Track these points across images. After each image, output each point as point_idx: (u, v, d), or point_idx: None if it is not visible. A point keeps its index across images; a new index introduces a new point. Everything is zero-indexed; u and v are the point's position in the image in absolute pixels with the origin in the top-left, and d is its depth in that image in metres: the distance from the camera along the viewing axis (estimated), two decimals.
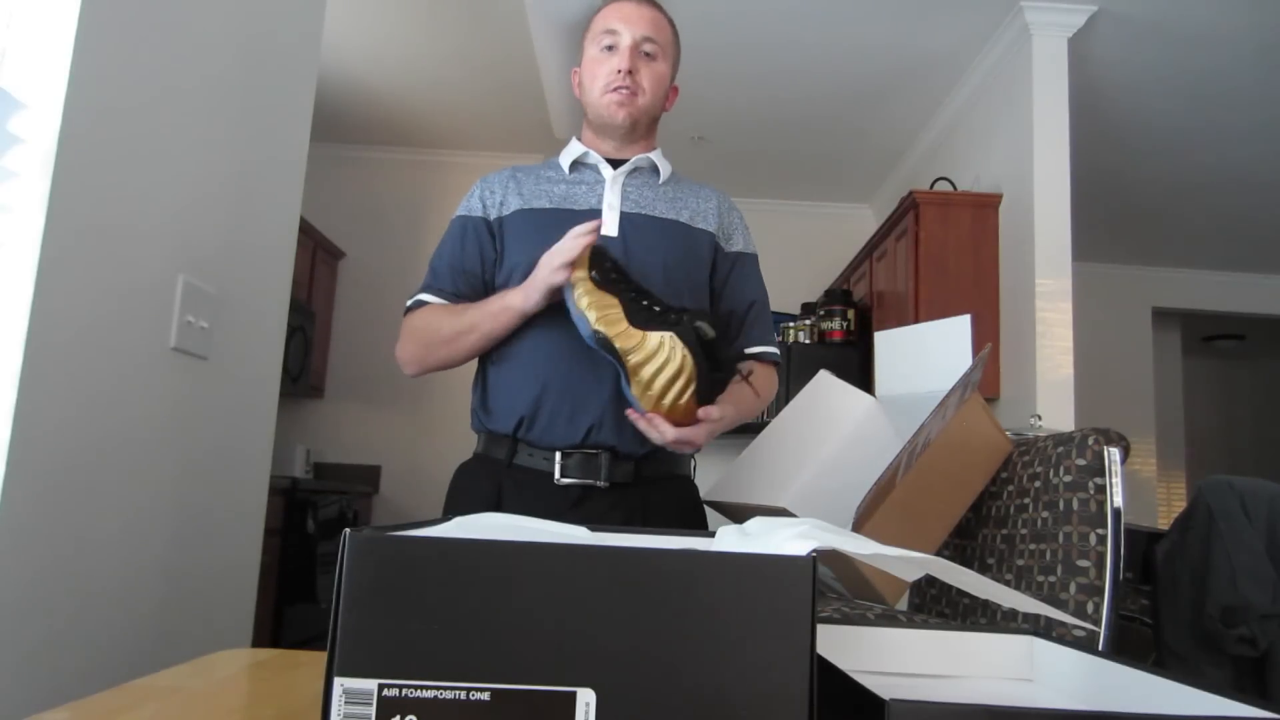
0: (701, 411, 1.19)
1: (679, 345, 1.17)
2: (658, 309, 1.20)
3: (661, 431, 1.19)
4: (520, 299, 1.25)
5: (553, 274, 1.20)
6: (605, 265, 1.21)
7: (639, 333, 1.17)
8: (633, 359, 1.17)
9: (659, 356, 1.17)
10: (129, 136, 1.19)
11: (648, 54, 1.36)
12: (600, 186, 1.37)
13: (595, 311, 1.17)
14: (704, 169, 4.94)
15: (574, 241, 1.18)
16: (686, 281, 1.35)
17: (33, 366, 1.02)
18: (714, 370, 1.19)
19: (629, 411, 1.21)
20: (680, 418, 1.19)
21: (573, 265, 1.19)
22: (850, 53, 3.86)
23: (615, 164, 1.39)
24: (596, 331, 1.17)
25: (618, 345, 1.17)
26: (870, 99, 4.28)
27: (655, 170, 1.42)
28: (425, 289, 1.38)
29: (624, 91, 1.34)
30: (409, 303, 1.39)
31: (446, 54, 4.10)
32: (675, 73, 1.44)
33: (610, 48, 1.35)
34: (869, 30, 3.66)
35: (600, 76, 1.36)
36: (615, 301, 1.19)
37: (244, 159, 1.51)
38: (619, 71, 1.34)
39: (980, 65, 3.84)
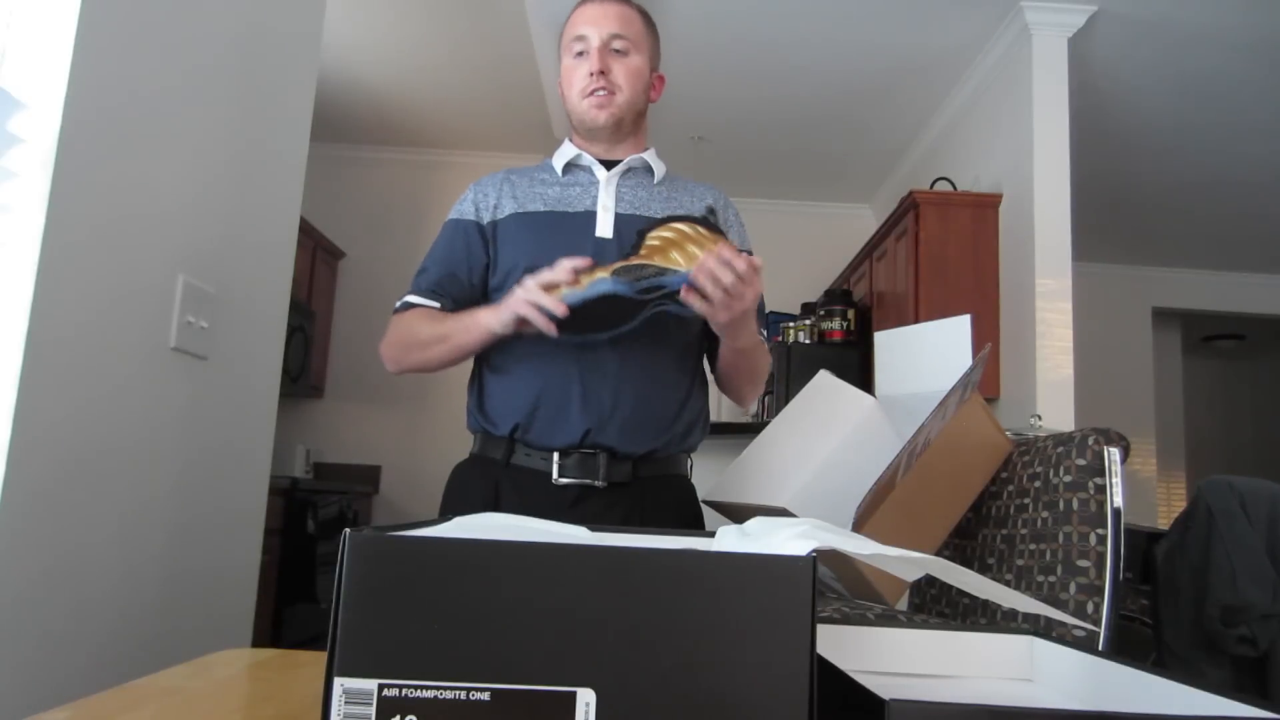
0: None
1: (669, 226, 1.17)
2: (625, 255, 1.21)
3: (733, 262, 1.11)
4: (490, 316, 1.25)
5: (529, 293, 1.17)
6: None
7: (635, 257, 1.17)
8: (658, 259, 1.16)
9: (673, 243, 1.16)
10: (129, 136, 1.19)
11: (618, 50, 1.35)
12: (594, 188, 1.37)
13: (598, 270, 1.17)
14: (704, 169, 4.94)
15: (561, 268, 1.18)
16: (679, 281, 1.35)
17: (33, 366, 1.02)
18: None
19: (696, 270, 1.13)
20: None
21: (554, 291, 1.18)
22: (850, 52, 3.86)
23: (608, 165, 1.39)
24: (616, 271, 1.16)
25: (649, 264, 1.16)
26: (870, 98, 4.28)
27: (649, 170, 1.42)
28: (413, 290, 1.38)
29: (601, 94, 1.35)
30: (397, 304, 1.39)
31: (446, 54, 4.10)
32: (656, 62, 1.43)
33: (581, 53, 1.36)
34: (869, 30, 3.66)
35: (576, 83, 1.37)
36: (599, 267, 1.19)
37: (244, 159, 1.51)
38: (591, 74, 1.34)
39: (980, 65, 3.84)
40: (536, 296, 1.16)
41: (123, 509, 1.22)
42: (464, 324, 1.29)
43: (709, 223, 1.20)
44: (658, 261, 1.16)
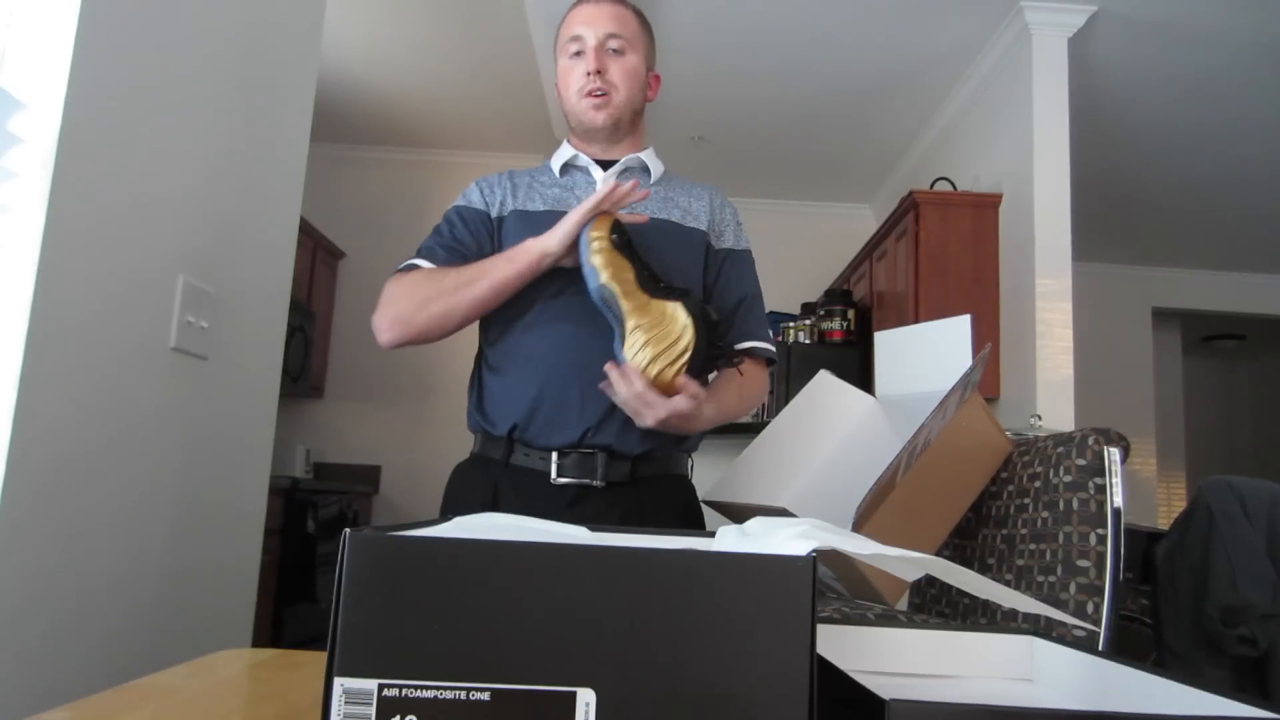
0: (680, 381, 1.16)
1: (684, 316, 1.17)
2: (662, 285, 1.21)
3: (631, 382, 1.15)
4: (542, 239, 1.24)
5: (581, 214, 1.20)
6: (624, 234, 1.22)
7: (645, 297, 1.18)
8: (632, 321, 1.17)
9: (660, 325, 1.17)
10: (129, 136, 1.19)
11: (615, 50, 1.36)
12: (592, 188, 1.37)
13: (608, 269, 1.18)
14: (704, 169, 4.94)
15: (615, 192, 1.20)
16: (680, 281, 1.35)
17: (33, 366, 1.02)
18: (710, 348, 1.20)
19: (608, 365, 1.18)
20: (661, 389, 1.17)
21: (594, 222, 1.20)
22: (850, 52, 3.86)
23: (605, 165, 1.40)
24: (604, 286, 1.17)
25: (622, 305, 1.17)
26: (870, 99, 4.28)
27: (646, 170, 1.42)
28: (419, 256, 1.33)
29: (598, 95, 1.35)
30: (399, 266, 1.34)
31: (446, 54, 4.10)
32: (652, 61, 1.44)
33: (578, 54, 1.36)
34: (869, 30, 3.66)
35: (573, 83, 1.37)
36: (628, 266, 1.19)
37: (244, 159, 1.51)
38: (588, 74, 1.34)
39: (980, 65, 3.84)
40: (610, 191, 1.20)
41: (123, 509, 1.22)
42: (506, 256, 1.26)
43: (695, 352, 1.19)
44: (633, 316, 1.17)
